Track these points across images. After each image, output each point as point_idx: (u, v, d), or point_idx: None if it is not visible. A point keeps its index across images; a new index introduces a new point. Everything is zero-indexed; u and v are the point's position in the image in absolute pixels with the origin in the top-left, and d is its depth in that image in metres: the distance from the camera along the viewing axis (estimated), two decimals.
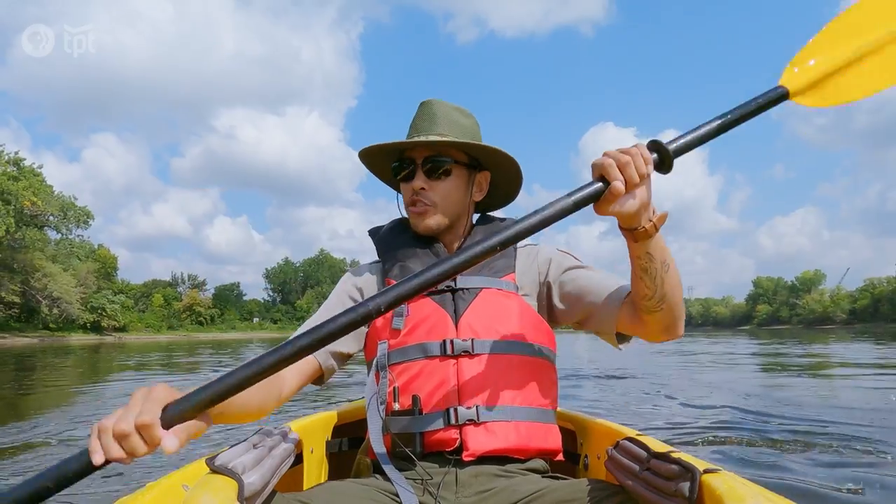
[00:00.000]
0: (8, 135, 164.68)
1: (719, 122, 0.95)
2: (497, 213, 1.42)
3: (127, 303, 66.39)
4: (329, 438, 1.45)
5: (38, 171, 45.52)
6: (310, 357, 1.15)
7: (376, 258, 1.36)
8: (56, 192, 46.56)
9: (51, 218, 45.98)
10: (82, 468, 0.69)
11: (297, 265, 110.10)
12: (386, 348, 1.17)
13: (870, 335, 29.74)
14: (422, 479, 1.07)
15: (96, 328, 57.72)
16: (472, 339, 1.14)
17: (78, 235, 51.48)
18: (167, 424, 0.70)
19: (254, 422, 1.03)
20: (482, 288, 1.20)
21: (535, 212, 0.88)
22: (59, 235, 48.92)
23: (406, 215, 1.32)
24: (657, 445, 0.96)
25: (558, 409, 1.27)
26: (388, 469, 1.07)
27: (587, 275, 1.23)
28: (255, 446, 0.98)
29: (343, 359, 1.26)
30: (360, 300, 1.14)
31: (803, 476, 2.74)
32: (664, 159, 0.92)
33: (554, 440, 1.16)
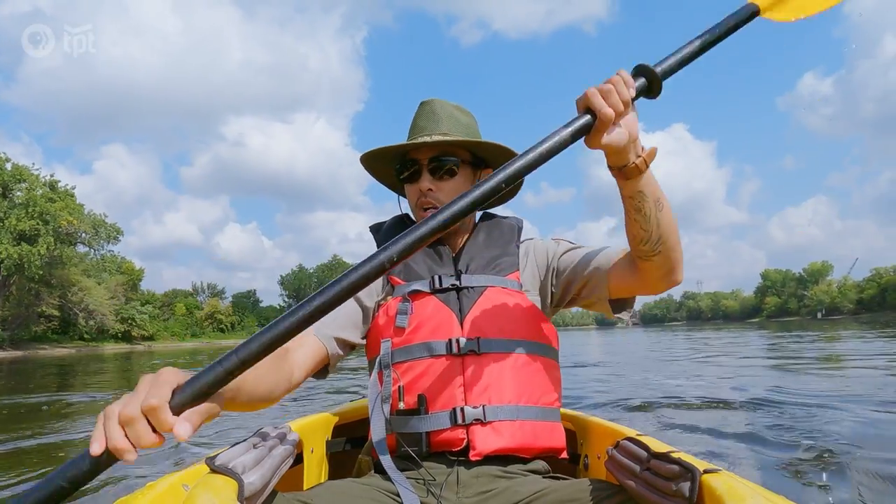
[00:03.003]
0: (20, 149, 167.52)
1: (699, 41, 0.96)
2: (495, 210, 1.42)
3: (154, 313, 69.43)
4: (329, 438, 1.44)
5: (72, 191, 48.42)
6: (317, 343, 1.14)
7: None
8: (87, 211, 49.40)
9: (83, 235, 48.75)
10: (91, 465, 0.63)
11: (311, 271, 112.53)
12: (389, 346, 1.15)
13: (876, 324, 29.52)
14: (423, 480, 1.06)
15: (126, 338, 60.15)
16: (478, 338, 1.12)
17: (109, 251, 54.37)
18: (178, 409, 0.65)
19: (267, 407, 1.00)
20: (487, 286, 1.19)
21: (532, 147, 0.84)
22: (92, 251, 51.71)
23: (410, 215, 1.32)
24: (657, 445, 0.96)
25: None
26: (391, 469, 1.06)
27: (579, 251, 1.23)
28: (255, 446, 0.97)
29: (348, 348, 1.22)
30: (363, 297, 1.22)
31: (804, 475, 2.68)
32: (651, 83, 0.91)
33: (558, 439, 1.16)
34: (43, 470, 3.34)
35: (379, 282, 1.27)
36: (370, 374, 1.18)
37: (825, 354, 10.74)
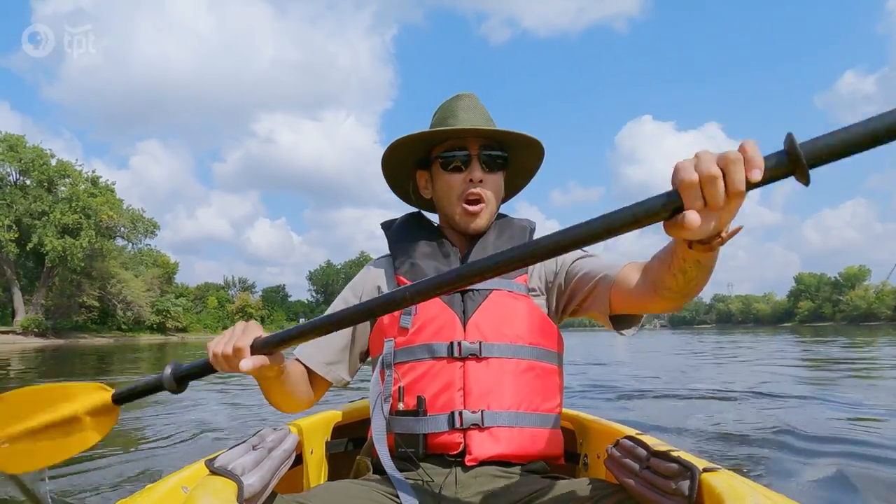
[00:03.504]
0: (62, 145, 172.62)
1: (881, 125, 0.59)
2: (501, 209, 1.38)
3: (187, 305, 71.44)
4: (329, 439, 1.44)
5: (112, 186, 50.16)
6: (307, 370, 1.24)
7: (388, 252, 1.33)
8: (126, 206, 51.10)
9: (122, 229, 50.44)
10: (206, 367, 0.97)
11: (339, 267, 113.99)
12: (392, 346, 1.15)
13: None
14: (422, 480, 1.07)
15: (161, 329, 61.81)
16: (480, 342, 1.12)
17: (146, 244, 56.13)
18: (252, 352, 0.93)
19: (289, 410, 1.17)
20: (492, 289, 1.18)
21: (600, 218, 0.69)
22: (130, 245, 53.48)
23: (448, 211, 1.24)
24: (657, 444, 0.95)
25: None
26: (390, 469, 1.06)
27: (589, 261, 1.20)
28: (254, 447, 0.98)
29: (348, 372, 1.28)
30: (360, 299, 1.29)
31: (804, 475, 2.68)
32: (795, 167, 0.61)
33: (556, 445, 1.16)
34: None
35: (386, 281, 1.30)
36: (373, 373, 1.19)
37: (854, 359, 10.53)
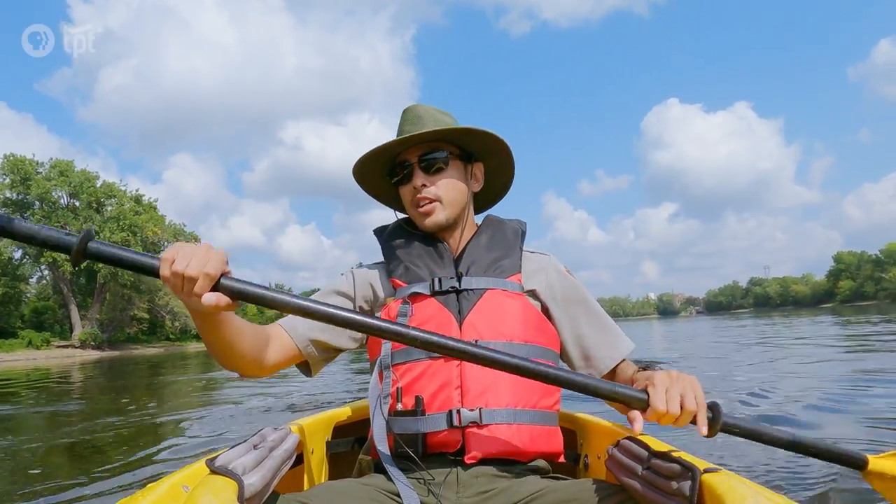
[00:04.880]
0: (98, 164, 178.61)
1: (789, 438, 0.94)
2: (496, 210, 1.41)
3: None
4: (329, 439, 1.44)
5: (154, 203, 52.60)
6: (289, 341, 1.21)
7: (381, 258, 1.35)
8: (168, 221, 53.48)
9: (165, 244, 52.70)
10: (150, 267, 0.84)
11: None
12: (389, 348, 1.17)
13: None
14: (423, 480, 1.07)
15: None
16: (476, 341, 1.12)
17: None
18: (219, 288, 0.85)
19: (230, 368, 1.10)
20: (487, 289, 1.20)
21: (575, 374, 0.92)
22: None
23: (411, 217, 1.31)
24: (657, 444, 0.96)
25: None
26: (390, 469, 1.06)
27: (588, 313, 1.27)
28: (255, 447, 0.97)
29: (330, 351, 1.26)
30: (359, 298, 1.29)
31: (804, 475, 2.66)
32: (712, 425, 0.91)
33: (556, 443, 1.17)
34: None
35: (381, 284, 1.31)
36: (371, 375, 1.21)
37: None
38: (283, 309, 0.87)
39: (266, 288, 0.87)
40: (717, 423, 0.91)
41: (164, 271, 0.84)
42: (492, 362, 0.89)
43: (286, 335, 1.22)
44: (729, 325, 27.03)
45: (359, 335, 1.29)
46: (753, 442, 0.95)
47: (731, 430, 0.92)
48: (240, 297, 0.86)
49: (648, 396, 0.92)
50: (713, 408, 0.92)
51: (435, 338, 0.89)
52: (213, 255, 0.85)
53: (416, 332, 0.88)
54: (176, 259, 0.84)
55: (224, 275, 0.86)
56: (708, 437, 0.90)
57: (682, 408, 0.90)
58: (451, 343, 0.89)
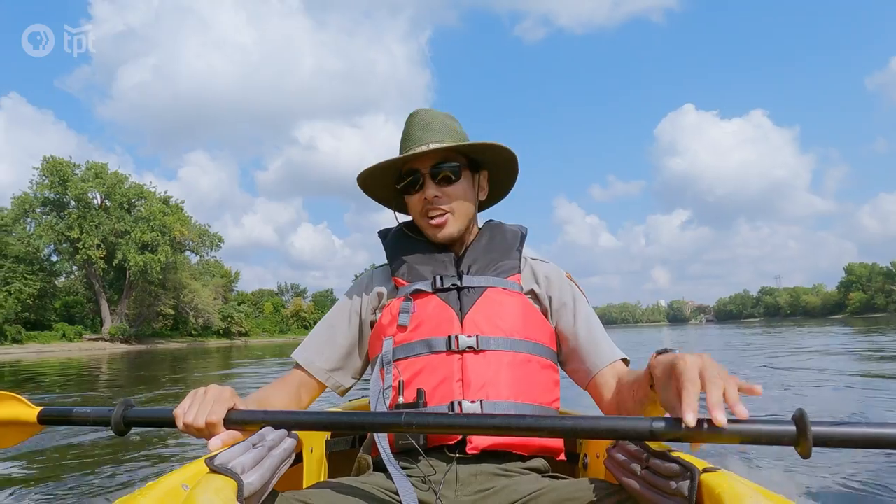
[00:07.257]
0: (115, 161, 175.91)
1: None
2: (498, 210, 1.42)
3: (247, 311, 76.19)
4: (329, 437, 1.44)
5: (181, 204, 54.75)
6: (308, 378, 1.30)
7: (385, 262, 1.36)
8: (193, 221, 55.63)
9: (190, 243, 54.87)
10: (171, 421, 0.98)
11: None
12: (391, 344, 1.18)
13: None
14: (423, 477, 1.07)
15: (227, 333, 66.29)
16: (477, 336, 1.14)
17: (212, 256, 60.63)
18: (225, 426, 0.92)
19: None
20: (487, 287, 1.22)
21: (594, 417, 0.82)
22: (197, 257, 58.02)
23: (420, 226, 1.31)
24: (657, 444, 0.93)
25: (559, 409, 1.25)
26: (390, 465, 1.05)
27: (586, 319, 1.26)
28: (254, 446, 0.96)
29: (344, 377, 1.33)
30: (365, 311, 1.31)
31: (804, 474, 2.66)
32: (798, 440, 0.72)
33: (556, 440, 1.17)
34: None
35: (385, 288, 1.32)
36: (372, 371, 1.23)
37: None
38: (284, 425, 0.96)
39: (267, 412, 0.97)
40: (804, 438, 0.71)
41: (179, 426, 0.97)
42: (503, 430, 0.84)
43: (306, 375, 1.31)
44: (739, 333, 27.66)
45: (355, 355, 1.34)
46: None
47: (825, 442, 0.71)
48: (247, 425, 0.96)
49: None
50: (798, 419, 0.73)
51: (431, 419, 0.86)
52: (216, 403, 0.97)
53: (413, 418, 0.86)
54: (185, 413, 0.97)
55: (231, 410, 0.97)
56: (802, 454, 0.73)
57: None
58: (453, 421, 0.87)
